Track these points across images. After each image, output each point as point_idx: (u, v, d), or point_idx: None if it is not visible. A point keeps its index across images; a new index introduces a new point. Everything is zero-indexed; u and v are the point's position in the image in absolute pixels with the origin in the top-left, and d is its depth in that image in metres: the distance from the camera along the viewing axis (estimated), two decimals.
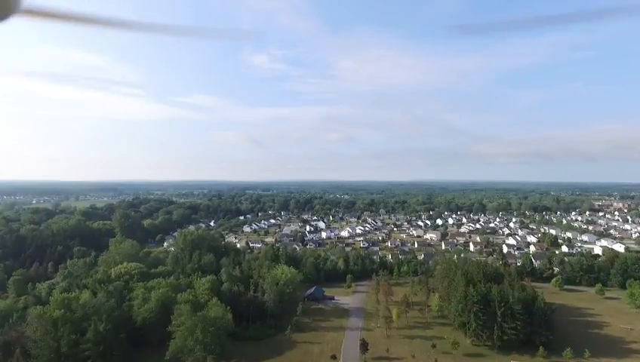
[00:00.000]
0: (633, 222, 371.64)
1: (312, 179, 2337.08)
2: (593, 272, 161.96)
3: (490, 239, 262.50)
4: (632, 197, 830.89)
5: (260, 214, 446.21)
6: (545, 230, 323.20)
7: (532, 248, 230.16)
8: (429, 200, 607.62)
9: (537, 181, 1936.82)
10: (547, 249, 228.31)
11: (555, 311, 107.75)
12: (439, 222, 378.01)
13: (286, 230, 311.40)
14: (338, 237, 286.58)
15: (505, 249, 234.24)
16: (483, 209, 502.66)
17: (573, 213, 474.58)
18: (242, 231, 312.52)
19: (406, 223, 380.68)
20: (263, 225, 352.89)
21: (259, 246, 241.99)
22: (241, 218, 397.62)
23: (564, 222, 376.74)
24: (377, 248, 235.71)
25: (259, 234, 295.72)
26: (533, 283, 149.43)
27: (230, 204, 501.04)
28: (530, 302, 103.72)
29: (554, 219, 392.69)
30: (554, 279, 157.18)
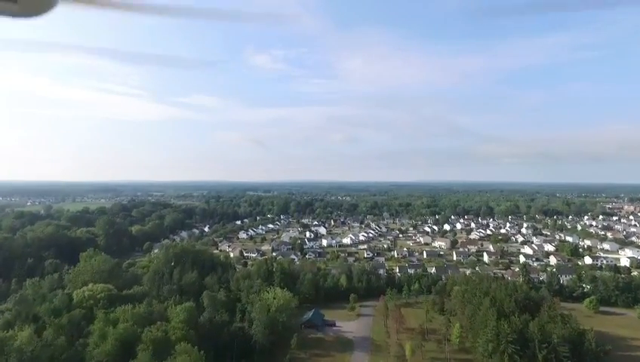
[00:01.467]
0: None
1: (314, 179, 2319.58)
2: (631, 291, 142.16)
3: (505, 248, 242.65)
4: None
5: (258, 218, 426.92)
6: (561, 237, 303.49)
7: (552, 259, 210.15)
8: (434, 203, 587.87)
9: (541, 182, 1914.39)
10: (569, 260, 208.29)
11: (609, 353, 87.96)
12: (447, 227, 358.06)
13: (285, 236, 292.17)
14: (340, 245, 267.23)
15: (521, 259, 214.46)
16: (491, 212, 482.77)
17: (586, 217, 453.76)
18: (238, 238, 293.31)
19: (412, 228, 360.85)
20: (261, 231, 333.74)
21: (254, 256, 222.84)
22: (238, 223, 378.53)
23: (579, 227, 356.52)
24: (383, 259, 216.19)
25: (255, 242, 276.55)
26: (563, 304, 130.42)
27: (227, 208, 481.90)
28: (578, 341, 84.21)
29: (568, 225, 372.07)
30: (587, 299, 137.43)
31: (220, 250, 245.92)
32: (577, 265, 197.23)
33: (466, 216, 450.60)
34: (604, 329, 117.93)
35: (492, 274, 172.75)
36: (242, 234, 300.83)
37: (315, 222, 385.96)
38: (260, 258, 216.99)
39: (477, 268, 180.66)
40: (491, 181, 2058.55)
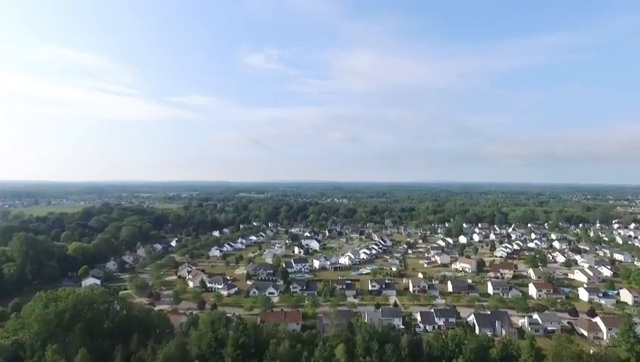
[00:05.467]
0: None
1: (311, 179, 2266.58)
2: None
3: (550, 272, 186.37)
4: None
5: (241, 227, 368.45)
6: (605, 253, 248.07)
7: (626, 294, 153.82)
8: (440, 208, 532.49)
9: (543, 183, 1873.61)
10: None
11: None
12: (462, 239, 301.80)
13: (268, 254, 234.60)
14: (336, 268, 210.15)
15: (582, 294, 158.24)
16: (505, 219, 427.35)
17: (616, 225, 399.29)
18: (207, 257, 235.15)
19: (421, 241, 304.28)
20: (240, 245, 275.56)
21: (220, 287, 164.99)
22: (216, 233, 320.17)
23: (618, 239, 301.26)
24: (394, 293, 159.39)
25: (228, 263, 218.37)
26: None
27: (207, 214, 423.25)
28: None
29: (603, 236, 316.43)
30: None
31: (179, 276, 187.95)
32: None
33: (480, 225, 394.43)
34: None
35: (574, 333, 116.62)
36: (215, 251, 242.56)
37: (307, 233, 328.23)
38: (226, 292, 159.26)
39: (536, 316, 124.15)
40: (491, 182, 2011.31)
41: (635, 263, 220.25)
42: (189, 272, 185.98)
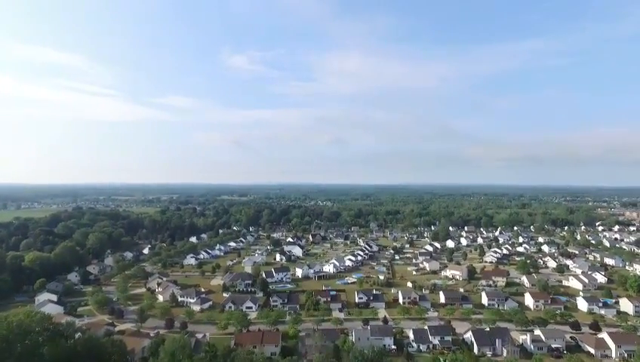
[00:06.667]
0: None
1: (296, 182, 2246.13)
2: None
3: (545, 280, 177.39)
4: (635, 205, 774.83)
5: (221, 232, 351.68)
6: (595, 257, 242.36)
7: (625, 303, 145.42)
8: (424, 210, 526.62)
9: (524, 185, 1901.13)
10: None
11: None
12: (450, 243, 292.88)
13: (247, 262, 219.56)
14: (320, 276, 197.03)
15: (580, 303, 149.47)
16: (490, 222, 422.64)
17: (600, 227, 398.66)
18: (182, 266, 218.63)
19: (408, 245, 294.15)
20: (218, 252, 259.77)
21: (192, 301, 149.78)
22: (193, 239, 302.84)
23: (606, 242, 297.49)
24: (382, 305, 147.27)
25: (204, 273, 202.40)
26: None
27: (185, 218, 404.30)
28: None
29: (590, 239, 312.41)
30: None
31: (148, 289, 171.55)
32: None
33: (466, 228, 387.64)
34: None
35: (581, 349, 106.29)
36: (190, 259, 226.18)
37: (290, 238, 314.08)
38: (199, 307, 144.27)
39: (538, 332, 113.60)
40: (474, 183, 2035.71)
41: (627, 268, 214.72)
42: (159, 284, 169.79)
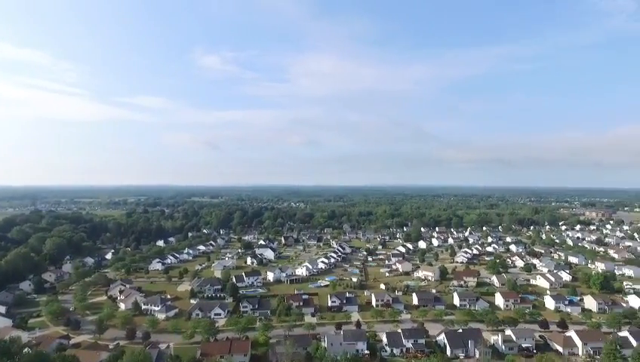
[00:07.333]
0: None
1: (269, 183, 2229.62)
2: None
3: (514, 279, 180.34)
4: (594, 205, 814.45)
5: (190, 235, 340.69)
6: (559, 256, 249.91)
7: (590, 301, 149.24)
8: (397, 211, 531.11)
9: (491, 186, 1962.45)
10: (613, 302, 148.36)
11: None
12: (422, 244, 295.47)
13: (217, 266, 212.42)
14: (292, 279, 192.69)
15: (547, 301, 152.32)
16: (461, 222, 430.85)
17: (564, 226, 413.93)
18: (147, 272, 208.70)
19: (381, 247, 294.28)
20: (187, 256, 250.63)
21: (156, 309, 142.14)
22: (161, 243, 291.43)
23: (569, 241, 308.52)
24: (355, 308, 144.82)
25: (170, 278, 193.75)
26: None
27: (153, 221, 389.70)
28: None
29: (555, 238, 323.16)
30: None
31: (109, 297, 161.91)
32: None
33: (437, 229, 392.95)
34: None
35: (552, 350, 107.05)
36: (156, 264, 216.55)
37: (262, 241, 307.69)
38: (164, 315, 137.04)
39: (509, 332, 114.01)
40: (444, 185, 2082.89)
41: (589, 266, 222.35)
42: (121, 291, 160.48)
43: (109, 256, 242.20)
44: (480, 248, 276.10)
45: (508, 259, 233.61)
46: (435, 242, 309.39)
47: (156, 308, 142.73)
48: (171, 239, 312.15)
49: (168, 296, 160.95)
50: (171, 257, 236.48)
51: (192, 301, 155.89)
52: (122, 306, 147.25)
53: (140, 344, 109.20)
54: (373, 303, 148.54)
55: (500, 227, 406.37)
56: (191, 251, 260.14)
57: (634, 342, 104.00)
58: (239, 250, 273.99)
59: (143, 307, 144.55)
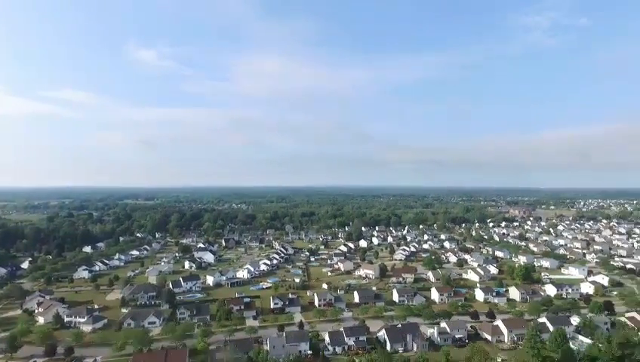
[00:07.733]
0: (561, 235, 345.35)
1: (209, 185, 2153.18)
2: None
3: (448, 274, 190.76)
4: (517, 203, 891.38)
5: (121, 240, 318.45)
6: (488, 251, 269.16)
7: (514, 292, 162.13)
8: (339, 211, 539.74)
9: (427, 186, 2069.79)
10: (533, 292, 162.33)
11: None
12: (363, 243, 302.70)
13: (152, 272, 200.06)
14: (233, 283, 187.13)
15: (478, 294, 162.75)
16: (399, 221, 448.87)
17: (491, 224, 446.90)
18: (72, 281, 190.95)
19: (323, 247, 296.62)
20: (118, 262, 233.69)
21: (81, 320, 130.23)
22: (88, 249, 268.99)
23: (495, 237, 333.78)
24: (298, 309, 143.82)
25: (99, 286, 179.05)
26: None
27: (79, 226, 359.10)
28: None
29: (483, 234, 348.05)
30: None
31: (25, 310, 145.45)
32: (543, 300, 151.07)
33: (377, 228, 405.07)
34: None
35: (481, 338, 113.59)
36: (82, 272, 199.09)
37: (201, 244, 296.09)
38: (91, 327, 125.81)
39: (444, 325, 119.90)
40: (383, 185, 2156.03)
41: (513, 259, 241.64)
42: (39, 304, 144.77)
43: (25, 266, 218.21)
44: (417, 246, 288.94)
45: (442, 256, 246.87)
46: (375, 241, 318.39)
47: (82, 320, 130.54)
48: (100, 244, 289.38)
49: (96, 306, 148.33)
50: (100, 264, 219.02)
51: (124, 310, 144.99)
52: (41, 320, 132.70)
53: (62, 360, 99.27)
54: (316, 303, 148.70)
55: (435, 225, 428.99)
56: (123, 257, 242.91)
57: (551, 327, 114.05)
58: (176, 254, 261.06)
59: (66, 319, 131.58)
